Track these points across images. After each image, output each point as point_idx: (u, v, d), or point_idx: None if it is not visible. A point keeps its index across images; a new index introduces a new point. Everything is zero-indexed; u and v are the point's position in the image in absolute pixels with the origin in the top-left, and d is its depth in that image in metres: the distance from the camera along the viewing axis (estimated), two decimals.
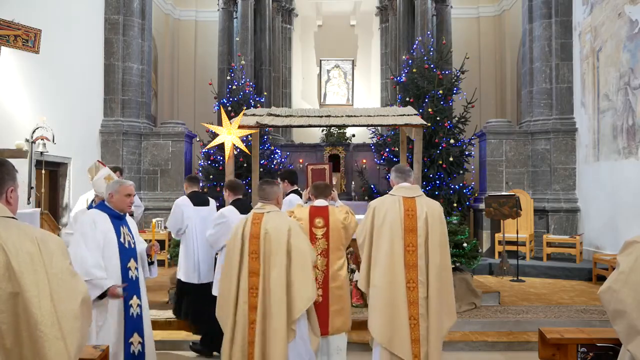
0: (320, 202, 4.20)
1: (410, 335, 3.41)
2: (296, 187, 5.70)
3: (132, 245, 3.49)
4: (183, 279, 5.36)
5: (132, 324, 3.31)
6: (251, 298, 3.21)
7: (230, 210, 4.74)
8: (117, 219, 3.50)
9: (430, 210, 3.57)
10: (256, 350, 3.19)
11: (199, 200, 5.51)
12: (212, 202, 5.69)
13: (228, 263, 3.37)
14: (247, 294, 3.22)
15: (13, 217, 1.83)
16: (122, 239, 3.40)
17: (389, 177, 4.30)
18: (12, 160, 2.18)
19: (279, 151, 11.44)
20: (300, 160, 12.75)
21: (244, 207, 4.78)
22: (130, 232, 3.54)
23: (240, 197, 4.96)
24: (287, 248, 3.23)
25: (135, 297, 3.36)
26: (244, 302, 3.23)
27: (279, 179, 5.70)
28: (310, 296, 3.26)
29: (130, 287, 3.35)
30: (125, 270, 3.35)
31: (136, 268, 3.44)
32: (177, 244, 6.73)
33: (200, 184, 10.29)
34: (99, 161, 5.93)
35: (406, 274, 3.46)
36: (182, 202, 5.43)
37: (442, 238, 3.58)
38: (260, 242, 3.23)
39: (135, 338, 3.30)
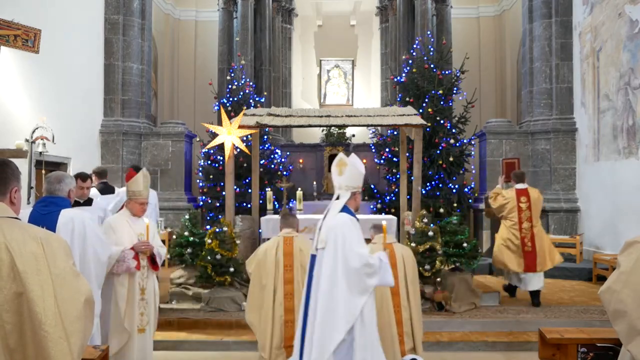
0: (520, 186, 6.84)
1: (395, 318, 4.14)
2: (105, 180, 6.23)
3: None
4: None
5: None
6: (286, 302, 4.00)
7: (92, 191, 5.88)
8: None
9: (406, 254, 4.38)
10: (295, 345, 3.72)
11: (107, 190, 6.16)
12: (120, 190, 6.20)
13: (259, 276, 4.15)
14: (283, 298, 4.02)
15: (16, 218, 1.83)
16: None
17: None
18: (12, 160, 2.19)
19: (279, 151, 11.43)
20: (300, 160, 12.75)
21: (106, 189, 6.05)
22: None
23: (106, 181, 6.14)
24: None
25: None
26: (280, 304, 4.00)
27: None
28: None
29: None
30: None
31: None
32: (176, 244, 6.73)
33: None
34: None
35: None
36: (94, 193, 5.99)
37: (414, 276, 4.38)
38: (295, 257, 4.10)
39: None
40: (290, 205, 9.92)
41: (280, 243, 4.20)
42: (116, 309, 3.84)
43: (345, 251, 3.18)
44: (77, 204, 4.68)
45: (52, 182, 3.36)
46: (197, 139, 11.49)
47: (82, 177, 5.09)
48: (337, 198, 3.42)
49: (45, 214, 3.23)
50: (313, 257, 3.42)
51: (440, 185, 9.75)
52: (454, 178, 9.95)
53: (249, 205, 8.77)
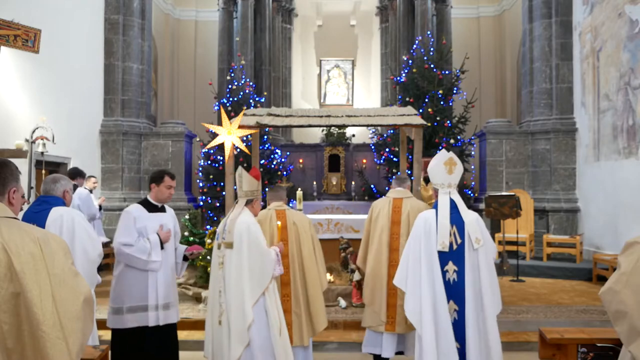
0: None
1: (387, 301, 4.33)
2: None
3: None
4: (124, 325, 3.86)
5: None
6: (282, 276, 3.90)
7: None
8: None
9: (413, 208, 4.45)
10: (294, 317, 3.96)
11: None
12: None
13: None
14: None
15: (15, 218, 1.83)
16: None
17: (391, 178, 4.91)
18: (12, 160, 2.18)
19: (279, 151, 11.43)
20: (301, 160, 12.75)
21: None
22: None
23: (76, 183, 6.39)
24: (311, 235, 4.13)
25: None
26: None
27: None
28: (326, 274, 4.26)
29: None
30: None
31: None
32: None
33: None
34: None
35: (390, 255, 4.39)
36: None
37: None
38: (289, 230, 4.04)
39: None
40: (291, 205, 9.92)
41: (272, 217, 4.09)
42: (270, 320, 3.42)
43: (491, 244, 3.55)
44: (154, 208, 4.11)
45: (47, 182, 3.45)
46: (197, 139, 11.49)
47: (170, 174, 4.17)
48: (449, 196, 3.50)
49: (37, 212, 3.29)
50: (444, 254, 3.33)
51: None
52: None
53: None
